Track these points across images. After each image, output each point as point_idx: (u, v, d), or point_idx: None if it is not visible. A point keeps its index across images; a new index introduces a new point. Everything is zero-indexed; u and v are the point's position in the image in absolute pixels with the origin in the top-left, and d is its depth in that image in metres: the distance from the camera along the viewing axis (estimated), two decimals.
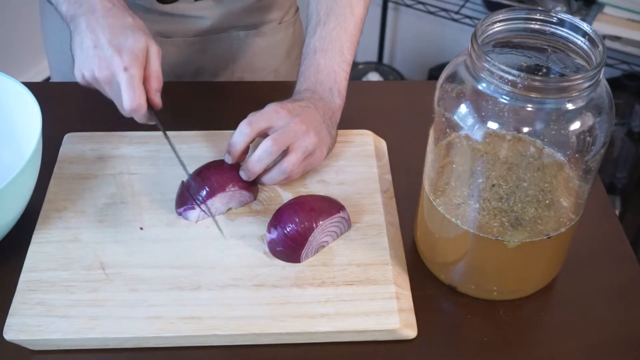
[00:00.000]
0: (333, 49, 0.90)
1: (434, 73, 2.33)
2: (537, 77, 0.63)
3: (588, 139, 0.66)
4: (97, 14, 0.80)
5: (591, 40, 0.67)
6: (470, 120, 0.67)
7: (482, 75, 0.65)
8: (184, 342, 0.73)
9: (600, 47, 0.66)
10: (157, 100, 0.81)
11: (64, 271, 0.78)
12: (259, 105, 0.85)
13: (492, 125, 0.66)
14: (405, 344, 0.74)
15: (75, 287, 0.76)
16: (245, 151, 0.85)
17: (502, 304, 0.78)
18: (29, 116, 0.82)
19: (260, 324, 0.73)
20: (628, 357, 0.74)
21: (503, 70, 0.63)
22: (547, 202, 0.70)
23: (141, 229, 0.82)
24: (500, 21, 0.69)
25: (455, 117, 0.68)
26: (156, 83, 0.81)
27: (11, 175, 0.74)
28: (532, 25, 0.69)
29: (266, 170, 0.84)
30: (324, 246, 0.80)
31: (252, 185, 0.85)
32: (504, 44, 0.70)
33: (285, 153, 0.83)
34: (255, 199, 0.86)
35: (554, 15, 0.69)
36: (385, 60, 2.51)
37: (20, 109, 0.84)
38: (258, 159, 0.82)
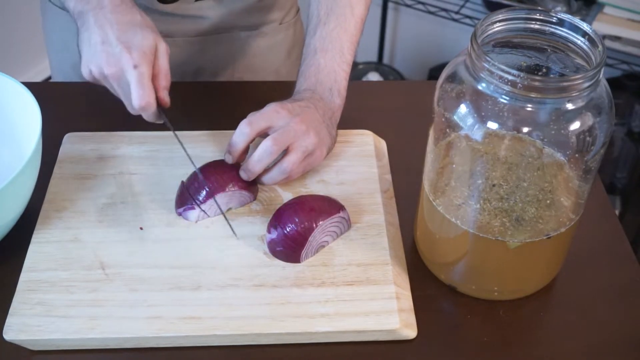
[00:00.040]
0: (333, 49, 0.90)
1: (434, 73, 2.33)
2: (537, 77, 0.63)
3: (588, 139, 0.66)
4: (105, 10, 0.80)
5: (591, 40, 0.67)
6: (470, 120, 0.67)
7: (482, 75, 0.65)
8: (184, 342, 0.73)
9: (600, 47, 0.66)
10: (166, 98, 0.82)
11: (64, 271, 0.78)
12: (259, 105, 0.85)
13: (492, 125, 0.66)
14: (405, 344, 0.74)
15: (75, 287, 0.76)
16: (246, 151, 0.85)
17: (502, 304, 0.78)
18: (29, 116, 0.82)
19: (260, 324, 0.73)
20: (628, 357, 0.74)
21: (503, 70, 0.63)
22: (548, 201, 0.70)
23: (141, 229, 0.82)
24: (500, 21, 0.69)
25: (455, 117, 0.68)
26: (164, 81, 0.81)
27: (11, 175, 0.74)
28: (532, 25, 0.69)
29: (266, 170, 0.84)
30: (324, 246, 0.80)
31: (252, 185, 0.85)
32: (504, 44, 0.70)
33: (285, 153, 0.83)
34: (255, 199, 0.86)
35: (554, 15, 0.69)
36: (385, 60, 2.51)
37: (20, 109, 0.84)
38: (258, 159, 0.82)
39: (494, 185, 0.70)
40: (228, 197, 0.83)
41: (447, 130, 0.70)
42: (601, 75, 0.66)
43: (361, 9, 0.94)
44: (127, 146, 0.92)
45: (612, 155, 1.95)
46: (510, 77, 0.63)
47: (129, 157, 0.91)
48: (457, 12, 2.11)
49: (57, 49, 1.15)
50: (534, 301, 0.78)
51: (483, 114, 0.66)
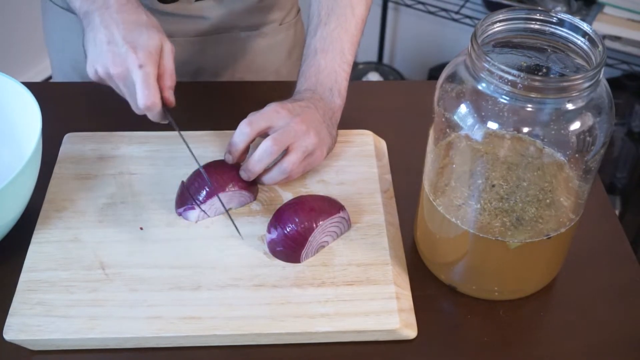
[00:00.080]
0: (334, 50, 0.90)
1: (434, 73, 2.33)
2: (537, 77, 0.63)
3: (588, 139, 0.66)
4: (111, 10, 0.80)
5: (591, 40, 0.67)
6: (470, 120, 0.67)
7: (482, 75, 0.65)
8: (184, 342, 0.73)
9: (600, 47, 0.66)
10: (171, 97, 0.82)
11: (64, 271, 0.78)
12: (260, 105, 0.85)
13: (492, 125, 0.66)
14: (405, 344, 0.74)
15: (75, 287, 0.76)
16: (246, 151, 0.85)
17: (502, 304, 0.78)
18: (29, 116, 0.82)
19: (260, 324, 0.73)
20: (628, 357, 0.74)
21: (503, 70, 0.63)
22: (548, 201, 0.70)
23: (141, 229, 0.82)
24: (500, 21, 0.69)
25: (455, 117, 0.68)
26: (170, 81, 0.81)
27: (11, 175, 0.74)
28: (532, 25, 0.69)
29: (266, 170, 0.84)
30: (324, 246, 0.80)
31: (252, 185, 0.85)
32: (504, 44, 0.70)
33: (285, 153, 0.83)
34: (255, 199, 0.86)
35: (554, 15, 0.69)
36: (385, 60, 2.51)
37: (20, 109, 0.84)
38: (258, 159, 0.82)
39: (493, 186, 0.70)
40: (228, 197, 0.83)
41: (447, 130, 0.70)
42: (601, 76, 0.66)
43: (362, 10, 0.94)
44: (127, 146, 0.92)
45: (612, 155, 1.95)
46: (510, 77, 0.63)
47: (129, 157, 0.91)
48: (457, 12, 2.11)
49: (58, 49, 1.15)
50: (534, 301, 0.78)
51: (483, 114, 0.66)
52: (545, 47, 0.69)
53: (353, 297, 0.75)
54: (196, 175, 0.84)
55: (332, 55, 0.90)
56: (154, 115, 0.81)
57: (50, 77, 2.31)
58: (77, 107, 1.02)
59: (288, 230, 0.78)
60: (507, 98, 0.64)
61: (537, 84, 0.62)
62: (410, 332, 0.74)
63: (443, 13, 2.14)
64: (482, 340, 0.75)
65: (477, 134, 0.67)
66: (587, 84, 0.63)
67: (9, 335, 0.72)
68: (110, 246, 0.80)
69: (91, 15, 0.81)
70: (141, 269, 0.78)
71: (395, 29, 2.45)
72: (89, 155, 0.91)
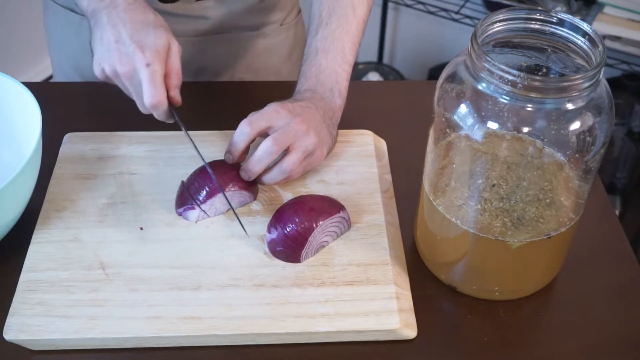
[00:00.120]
0: (335, 50, 0.90)
1: (434, 73, 2.33)
2: (537, 77, 0.63)
3: (588, 139, 0.66)
4: (118, 9, 0.80)
5: (591, 40, 0.67)
6: (470, 120, 0.67)
7: (482, 75, 0.65)
8: (184, 342, 0.73)
9: (600, 47, 0.66)
10: (177, 97, 0.82)
11: (64, 271, 0.78)
12: (260, 105, 0.85)
13: (492, 125, 0.66)
14: (405, 344, 0.74)
15: (75, 287, 0.76)
16: (246, 151, 0.85)
17: (502, 304, 0.78)
18: (29, 116, 0.82)
19: (260, 324, 0.73)
20: (628, 357, 0.74)
21: (503, 70, 0.63)
22: (548, 200, 0.70)
23: (141, 229, 0.82)
24: (500, 21, 0.69)
25: (455, 117, 0.68)
26: (176, 80, 0.82)
27: (11, 175, 0.74)
28: (532, 25, 0.69)
29: (266, 170, 0.84)
30: (324, 246, 0.80)
31: (252, 185, 0.85)
32: (504, 44, 0.70)
33: (285, 153, 0.83)
34: (255, 199, 0.86)
35: (554, 15, 0.69)
36: (385, 60, 2.51)
37: (20, 109, 0.84)
38: (258, 159, 0.82)
39: (494, 185, 0.70)
40: (228, 197, 0.83)
41: (447, 130, 0.70)
42: (601, 75, 0.66)
43: (363, 10, 0.94)
44: (127, 146, 0.92)
45: (612, 155, 1.95)
46: (510, 77, 0.63)
47: (129, 157, 0.91)
48: (457, 12, 2.11)
49: (58, 48, 1.15)
50: (534, 301, 0.78)
51: (483, 114, 0.66)
52: (545, 47, 0.69)
53: (353, 297, 0.75)
54: (196, 175, 0.84)
55: (333, 56, 0.90)
56: (159, 114, 0.81)
57: (50, 77, 2.31)
58: (77, 107, 1.02)
59: (288, 230, 0.78)
60: (507, 98, 0.64)
61: (537, 84, 0.62)
62: (410, 332, 0.74)
63: (443, 13, 2.14)
64: (482, 340, 0.75)
65: (477, 134, 0.67)
66: (587, 84, 0.63)
67: (9, 335, 0.72)
68: (110, 246, 0.80)
69: (99, 14, 0.81)
70: (141, 269, 0.78)
71: (395, 29, 2.45)
72: (89, 155, 0.91)
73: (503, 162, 0.69)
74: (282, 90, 0.94)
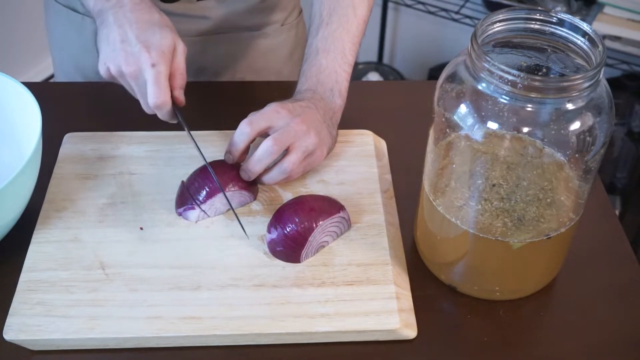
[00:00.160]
0: (335, 50, 0.90)
1: (434, 73, 2.33)
2: (537, 77, 0.63)
3: (588, 139, 0.66)
4: (125, 9, 0.81)
5: (591, 40, 0.67)
6: (470, 120, 0.67)
7: (482, 75, 0.65)
8: (184, 342, 0.73)
9: (600, 47, 0.66)
10: (181, 97, 0.82)
11: (64, 271, 0.78)
12: (260, 105, 0.85)
13: (492, 125, 0.66)
14: (405, 344, 0.74)
15: (75, 287, 0.76)
16: (246, 151, 0.85)
17: (502, 304, 0.78)
18: (29, 116, 0.82)
19: (260, 324, 0.73)
20: (628, 357, 0.74)
21: (503, 70, 0.63)
22: (549, 200, 0.70)
23: (141, 229, 0.82)
24: (500, 21, 0.69)
25: (455, 117, 0.68)
26: (181, 80, 0.82)
27: (11, 175, 0.74)
28: (532, 25, 0.69)
29: (266, 170, 0.84)
30: (324, 246, 0.80)
31: (252, 185, 0.85)
32: (504, 44, 0.70)
33: (285, 153, 0.83)
34: (255, 199, 0.86)
35: (554, 15, 0.69)
36: (385, 60, 2.51)
37: (20, 109, 0.84)
38: (258, 159, 0.82)
39: (494, 185, 0.70)
40: (228, 197, 0.83)
41: (447, 130, 0.70)
42: (601, 75, 0.66)
43: (364, 10, 0.94)
44: (127, 146, 0.92)
45: (612, 155, 1.95)
46: (510, 77, 0.63)
47: (129, 157, 0.91)
48: (457, 12, 2.11)
49: (59, 47, 1.15)
50: (534, 301, 0.78)
51: (483, 114, 0.66)
52: (545, 47, 0.69)
53: (353, 297, 0.75)
54: (196, 175, 0.84)
55: (333, 55, 0.90)
56: (163, 114, 0.82)
57: (50, 77, 2.31)
58: (77, 107, 1.03)
59: (288, 230, 0.78)
60: (507, 98, 0.64)
61: (537, 84, 0.62)
62: (410, 332, 0.74)
63: (443, 13, 2.14)
64: (482, 340, 0.75)
65: (477, 134, 0.67)
66: (587, 84, 0.63)
67: (9, 335, 0.72)
68: (110, 246, 0.80)
69: (105, 13, 0.82)
70: (141, 269, 0.78)
71: (395, 29, 2.45)
72: (89, 155, 0.91)
73: (503, 162, 0.69)
74: (283, 90, 0.94)
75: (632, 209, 1.96)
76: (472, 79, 0.66)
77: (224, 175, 0.83)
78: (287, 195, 0.86)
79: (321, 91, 0.89)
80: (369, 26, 0.97)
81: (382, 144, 0.94)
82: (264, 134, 0.84)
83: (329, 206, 0.80)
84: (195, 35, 1.07)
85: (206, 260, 0.79)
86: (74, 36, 1.10)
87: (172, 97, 0.81)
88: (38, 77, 2.32)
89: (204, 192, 0.82)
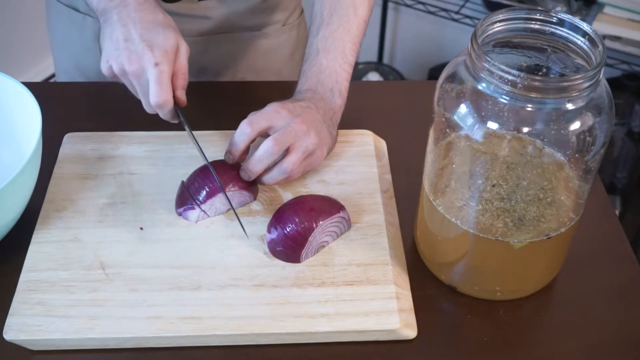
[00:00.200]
0: (335, 50, 0.90)
1: (434, 73, 2.33)
2: (537, 77, 0.63)
3: (588, 139, 0.66)
4: (129, 8, 0.81)
5: (591, 40, 0.67)
6: (470, 120, 0.67)
7: (482, 75, 0.65)
8: (184, 342, 0.73)
9: (600, 47, 0.66)
10: (183, 97, 0.83)
11: (64, 271, 0.78)
12: (261, 105, 0.85)
13: (492, 125, 0.66)
14: (405, 344, 0.74)
15: (75, 287, 0.76)
16: (246, 151, 0.85)
17: (502, 304, 0.78)
18: (29, 116, 0.82)
19: (260, 324, 0.73)
20: (628, 357, 0.74)
21: (503, 70, 0.63)
22: (549, 200, 0.70)
23: (141, 229, 0.82)
24: (500, 21, 0.69)
25: (455, 117, 0.68)
26: (183, 80, 0.82)
27: (11, 175, 0.74)
28: (532, 25, 0.69)
29: (266, 170, 0.84)
30: (324, 246, 0.80)
31: (252, 185, 0.85)
32: (504, 44, 0.70)
33: (285, 153, 0.83)
34: (255, 199, 0.86)
35: (554, 15, 0.69)
36: (385, 60, 2.51)
37: (20, 109, 0.84)
38: (259, 159, 0.82)
39: (494, 185, 0.70)
40: (228, 197, 0.83)
41: (447, 130, 0.70)
42: (601, 75, 0.66)
43: (364, 10, 0.94)
44: (127, 146, 0.92)
45: (612, 155, 1.95)
46: (510, 77, 0.63)
47: (129, 157, 0.91)
48: (457, 12, 2.11)
49: (60, 46, 1.16)
50: (534, 301, 0.78)
51: (483, 114, 0.66)
52: (545, 47, 0.69)
53: (353, 297, 0.75)
54: (196, 175, 0.84)
55: (333, 56, 0.90)
56: (165, 114, 0.82)
57: (50, 77, 2.31)
58: (77, 107, 1.03)
59: (288, 230, 0.78)
60: (507, 98, 0.64)
61: (537, 84, 0.62)
62: (410, 332, 0.74)
63: (443, 13, 2.14)
64: (482, 340, 0.75)
65: (477, 134, 0.67)
66: (587, 84, 0.63)
67: (9, 335, 0.72)
68: (110, 246, 0.80)
69: (109, 12, 0.82)
70: (141, 269, 0.78)
71: (395, 29, 2.45)
72: (89, 155, 0.91)
73: (503, 162, 0.69)
74: (283, 90, 0.94)
75: (632, 209, 1.96)
76: (472, 79, 0.66)
77: (224, 175, 0.83)
78: (287, 195, 0.86)
79: (321, 91, 0.89)
80: (369, 26, 0.97)
81: (382, 144, 0.94)
82: (265, 134, 0.84)
83: (329, 206, 0.80)
84: (196, 35, 1.07)
85: (206, 260, 0.79)
86: (75, 36, 1.10)
87: (174, 97, 0.81)
88: (38, 77, 2.32)
89: (204, 192, 0.82)
